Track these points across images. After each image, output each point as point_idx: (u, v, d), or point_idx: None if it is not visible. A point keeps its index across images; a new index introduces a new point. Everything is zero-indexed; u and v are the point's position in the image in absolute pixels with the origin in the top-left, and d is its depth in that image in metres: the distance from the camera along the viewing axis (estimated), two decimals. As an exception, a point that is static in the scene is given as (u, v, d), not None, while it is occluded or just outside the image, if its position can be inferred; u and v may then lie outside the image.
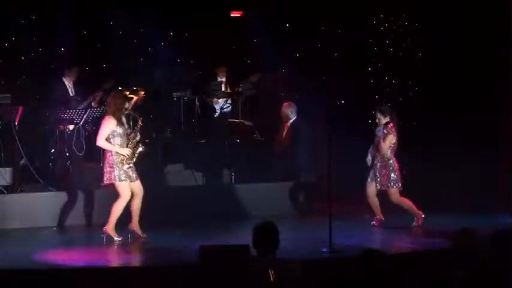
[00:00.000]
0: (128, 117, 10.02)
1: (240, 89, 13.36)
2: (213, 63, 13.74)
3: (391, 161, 10.59)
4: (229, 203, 11.70)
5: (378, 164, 10.61)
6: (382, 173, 10.59)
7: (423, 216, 10.60)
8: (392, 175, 10.57)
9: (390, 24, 14.52)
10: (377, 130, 10.75)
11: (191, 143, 13.00)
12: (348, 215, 11.05)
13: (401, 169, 10.65)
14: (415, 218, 10.63)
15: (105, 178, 9.68)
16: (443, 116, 13.19)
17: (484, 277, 5.46)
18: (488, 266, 5.54)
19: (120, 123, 9.72)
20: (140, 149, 9.77)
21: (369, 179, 10.71)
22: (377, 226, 10.74)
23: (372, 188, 10.70)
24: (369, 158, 10.72)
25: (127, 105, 9.91)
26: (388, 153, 10.58)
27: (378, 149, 10.62)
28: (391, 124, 10.65)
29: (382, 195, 10.71)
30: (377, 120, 10.74)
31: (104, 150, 9.94)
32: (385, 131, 10.62)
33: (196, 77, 13.78)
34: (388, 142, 10.58)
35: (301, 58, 14.33)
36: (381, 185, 10.59)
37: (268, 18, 13.94)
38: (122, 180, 9.63)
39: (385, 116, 10.69)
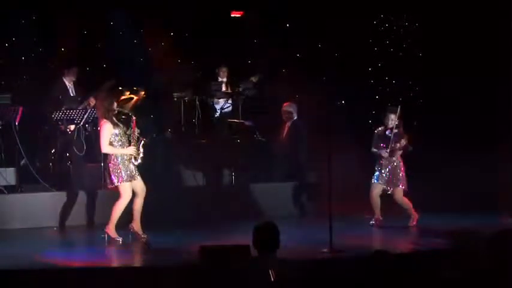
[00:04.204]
0: (120, 115, 10.00)
1: (241, 89, 13.35)
2: (214, 63, 13.74)
3: (398, 161, 10.69)
4: (230, 203, 11.70)
5: (388, 166, 10.68)
6: (392, 173, 10.67)
7: (417, 217, 10.73)
8: (399, 175, 10.67)
9: (390, 24, 14.53)
10: (387, 132, 10.75)
11: (191, 143, 13.00)
12: (347, 215, 11.04)
13: (406, 170, 10.78)
14: (411, 218, 10.72)
15: (114, 180, 9.64)
16: (443, 116, 13.20)
17: (484, 277, 5.46)
18: (488, 266, 5.54)
19: (114, 124, 9.73)
20: (142, 142, 9.80)
21: (373, 180, 10.75)
22: (376, 226, 10.76)
23: (377, 190, 10.74)
24: (375, 150, 10.77)
25: (115, 105, 9.87)
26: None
27: (391, 153, 10.67)
28: (401, 128, 10.73)
29: (387, 195, 10.77)
30: (389, 121, 10.75)
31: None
32: (396, 132, 10.67)
33: (196, 77, 13.78)
34: (400, 146, 10.66)
35: (301, 58, 14.32)
36: (388, 184, 10.67)
37: (268, 18, 13.94)
38: (126, 181, 9.65)
39: (398, 118, 10.72)
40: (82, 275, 8.07)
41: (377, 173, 10.79)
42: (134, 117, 9.89)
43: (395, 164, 10.75)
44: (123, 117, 10.00)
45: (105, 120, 9.71)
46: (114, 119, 9.77)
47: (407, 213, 10.77)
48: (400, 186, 10.72)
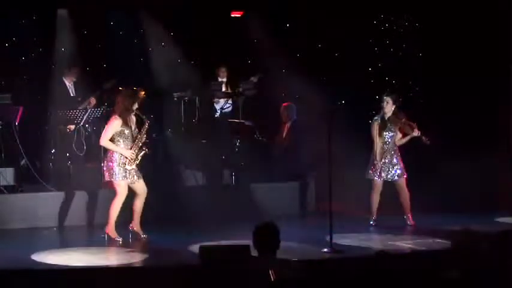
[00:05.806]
0: (135, 117, 9.98)
1: (241, 89, 13.36)
2: (214, 63, 13.74)
3: (395, 149, 10.78)
4: (230, 203, 11.70)
5: (395, 156, 10.67)
6: (400, 164, 10.69)
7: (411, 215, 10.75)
8: (400, 164, 10.74)
9: (390, 24, 14.52)
10: (388, 128, 10.75)
11: (191, 143, 12.99)
12: (347, 215, 11.05)
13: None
14: (406, 217, 10.69)
15: (106, 175, 9.71)
16: (443, 116, 13.20)
17: (484, 277, 5.46)
18: (488, 266, 5.55)
19: (126, 124, 9.70)
20: (143, 152, 9.78)
21: (375, 177, 10.69)
22: (376, 226, 10.75)
23: (378, 187, 10.71)
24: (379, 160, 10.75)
25: (135, 106, 9.87)
26: None
27: (395, 142, 10.71)
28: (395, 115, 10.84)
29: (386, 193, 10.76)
30: (386, 104, 10.74)
31: (105, 148, 9.95)
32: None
33: (196, 78, 13.79)
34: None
35: (301, 58, 14.32)
36: (388, 176, 10.65)
37: (268, 18, 13.94)
38: (121, 179, 9.65)
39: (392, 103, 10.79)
40: (82, 275, 8.07)
41: (378, 169, 10.73)
42: (147, 125, 9.89)
43: (392, 152, 10.71)
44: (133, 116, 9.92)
45: (117, 116, 9.69)
46: (132, 118, 9.76)
47: (404, 204, 10.71)
48: (404, 176, 10.67)
